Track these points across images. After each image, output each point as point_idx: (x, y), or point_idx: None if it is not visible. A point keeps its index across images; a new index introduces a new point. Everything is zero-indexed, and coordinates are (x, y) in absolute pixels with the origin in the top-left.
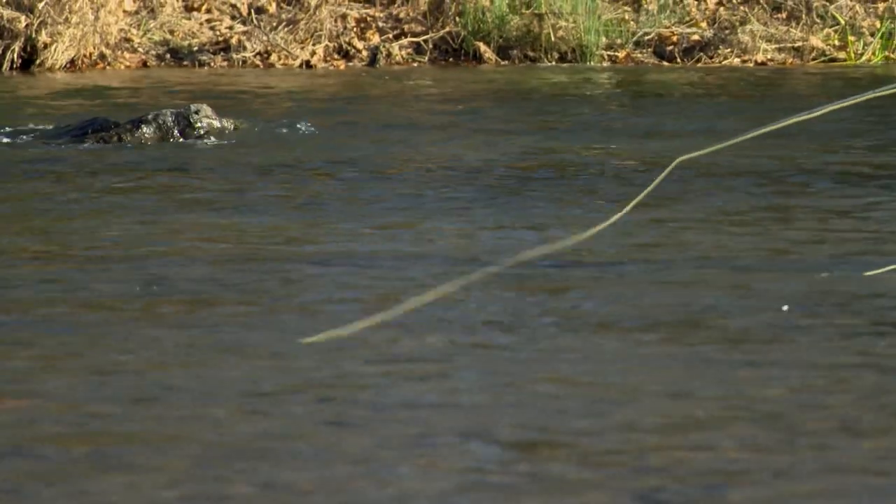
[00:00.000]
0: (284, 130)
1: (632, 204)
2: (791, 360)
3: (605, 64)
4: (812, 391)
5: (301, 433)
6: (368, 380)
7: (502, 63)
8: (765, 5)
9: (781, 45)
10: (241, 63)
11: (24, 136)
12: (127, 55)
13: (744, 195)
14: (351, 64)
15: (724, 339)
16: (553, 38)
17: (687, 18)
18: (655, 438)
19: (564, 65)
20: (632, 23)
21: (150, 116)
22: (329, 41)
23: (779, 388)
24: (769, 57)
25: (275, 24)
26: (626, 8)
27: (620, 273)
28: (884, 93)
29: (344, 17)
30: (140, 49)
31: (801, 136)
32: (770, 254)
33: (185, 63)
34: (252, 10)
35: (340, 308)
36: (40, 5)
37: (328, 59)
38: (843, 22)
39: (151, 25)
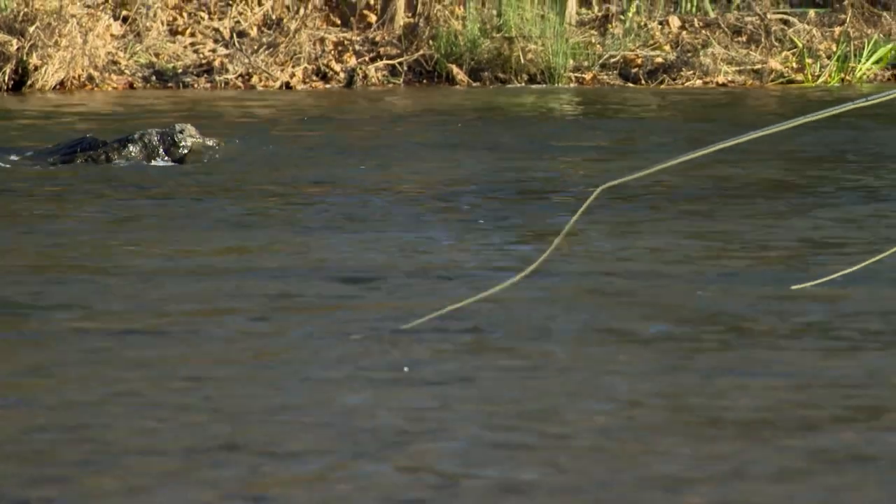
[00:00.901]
0: (264, 148)
1: (560, 236)
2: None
3: (573, 85)
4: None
5: None
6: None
7: (474, 84)
8: (725, 29)
9: (741, 68)
10: (223, 84)
11: (16, 155)
12: (114, 77)
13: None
14: (329, 85)
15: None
16: (522, 61)
17: (651, 42)
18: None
19: (533, 86)
20: (598, 46)
21: (136, 136)
22: (308, 63)
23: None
24: (730, 79)
25: (256, 47)
26: (592, 32)
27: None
28: (807, 120)
29: (322, 40)
30: (127, 71)
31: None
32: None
33: (169, 84)
34: (234, 34)
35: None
36: (31, 29)
37: (307, 80)
38: (800, 45)
39: (138, 49)
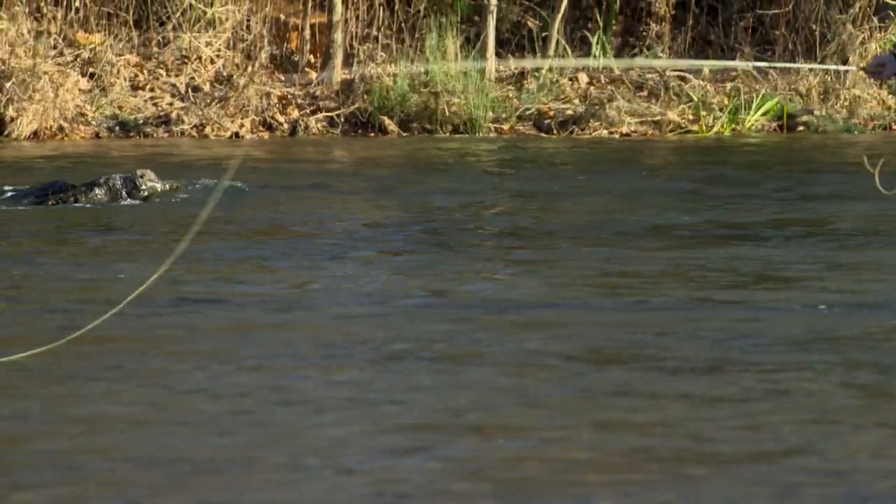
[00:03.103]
0: (215, 191)
1: (191, 231)
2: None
3: (492, 135)
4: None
5: None
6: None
7: (403, 134)
8: (629, 84)
9: (643, 119)
10: (179, 134)
11: None
12: (82, 127)
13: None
14: (274, 135)
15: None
16: (447, 113)
17: (562, 96)
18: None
19: (457, 136)
20: (515, 100)
21: (101, 180)
22: (255, 115)
23: None
24: (633, 129)
25: (209, 100)
26: (509, 87)
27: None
28: None
29: (268, 94)
30: (93, 122)
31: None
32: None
33: (131, 134)
34: (189, 89)
35: None
36: (7, 84)
37: (254, 130)
38: (696, 99)
39: (103, 102)
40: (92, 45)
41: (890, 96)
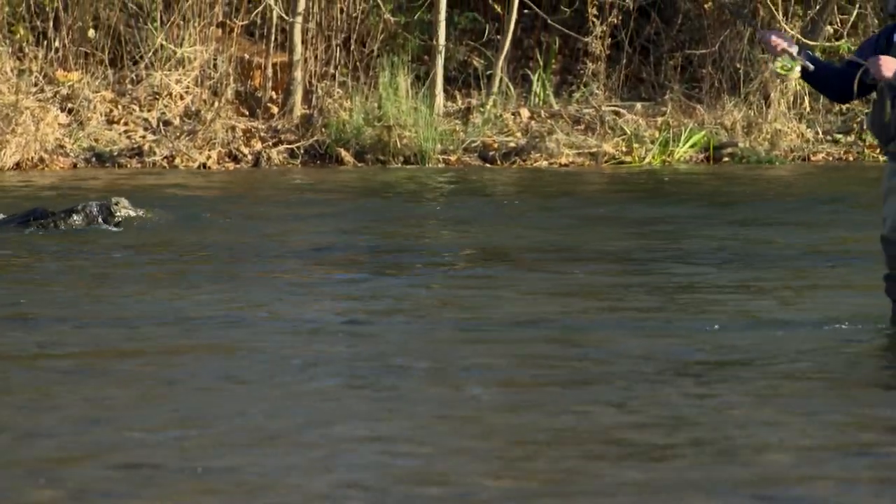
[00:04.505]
0: (185, 218)
1: None
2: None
3: (441, 165)
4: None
5: None
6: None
7: (359, 165)
8: (567, 119)
9: (580, 151)
10: (151, 165)
11: None
12: (61, 158)
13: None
14: (239, 165)
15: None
16: (399, 145)
17: (505, 129)
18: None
19: (408, 166)
20: (461, 133)
21: (79, 207)
22: (221, 147)
23: None
24: (571, 160)
25: (178, 133)
26: (456, 121)
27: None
28: None
29: (233, 128)
30: (71, 154)
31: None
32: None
33: (107, 165)
34: (160, 123)
35: None
36: None
37: (221, 161)
38: (629, 132)
39: (80, 135)
40: (70, 83)
41: (808, 129)
